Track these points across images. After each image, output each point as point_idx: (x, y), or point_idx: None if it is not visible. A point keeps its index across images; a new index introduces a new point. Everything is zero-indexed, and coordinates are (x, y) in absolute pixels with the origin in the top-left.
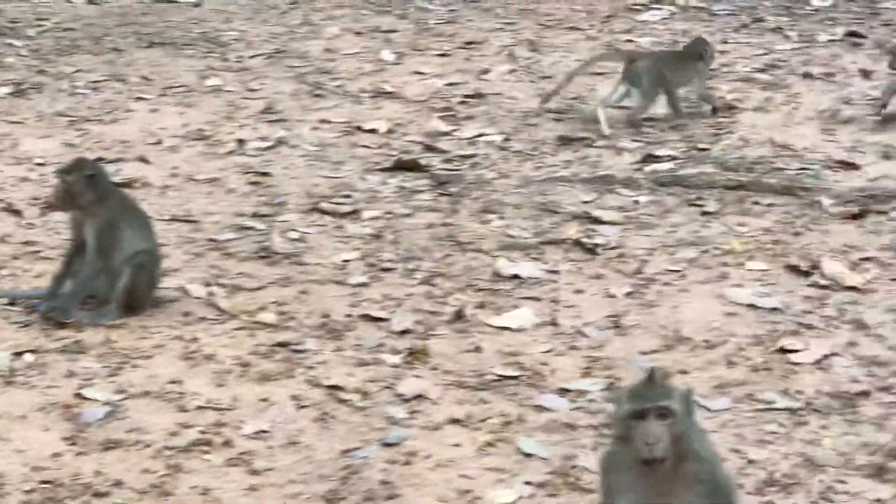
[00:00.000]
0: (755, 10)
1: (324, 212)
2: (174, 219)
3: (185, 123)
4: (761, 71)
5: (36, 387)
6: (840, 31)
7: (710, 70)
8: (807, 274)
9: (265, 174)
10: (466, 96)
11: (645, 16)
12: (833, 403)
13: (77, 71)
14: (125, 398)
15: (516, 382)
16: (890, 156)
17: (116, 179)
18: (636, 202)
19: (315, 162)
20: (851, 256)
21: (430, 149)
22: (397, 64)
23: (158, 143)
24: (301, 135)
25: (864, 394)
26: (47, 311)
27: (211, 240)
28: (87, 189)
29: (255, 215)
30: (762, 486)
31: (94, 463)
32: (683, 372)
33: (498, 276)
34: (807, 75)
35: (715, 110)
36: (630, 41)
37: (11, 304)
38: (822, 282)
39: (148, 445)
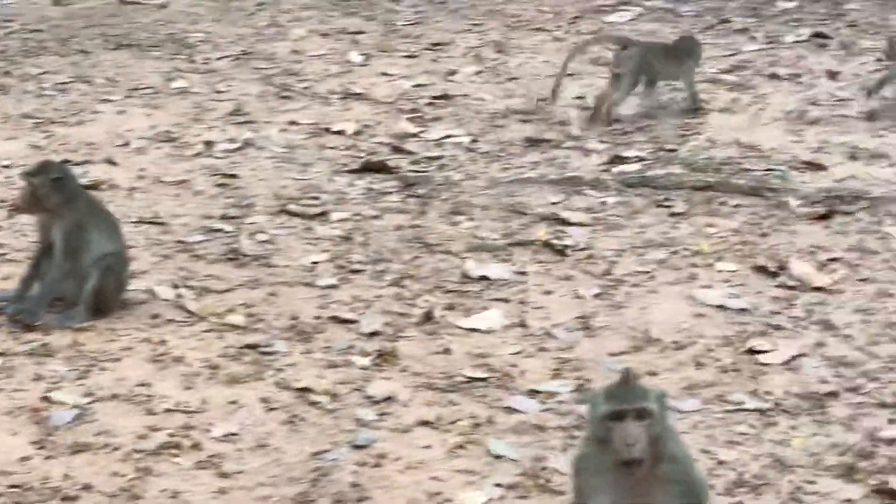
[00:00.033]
0: (721, 11)
1: (292, 213)
2: (142, 221)
3: (152, 125)
4: (728, 72)
5: (3, 390)
6: (806, 32)
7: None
8: (775, 275)
9: (233, 176)
10: (434, 98)
11: (612, 17)
12: (802, 404)
13: (43, 72)
14: (93, 401)
15: (486, 384)
16: (856, 156)
17: (83, 181)
18: (604, 203)
19: (283, 164)
20: (819, 257)
21: (398, 150)
22: (365, 65)
23: (125, 144)
24: (269, 136)
25: (833, 394)
26: (15, 314)
27: (179, 242)
28: (53, 191)
29: (223, 217)
30: (732, 486)
31: (63, 467)
32: (652, 373)
33: (467, 277)
34: (773, 76)
35: (696, 110)
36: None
37: None
38: (790, 282)
39: (117, 449)
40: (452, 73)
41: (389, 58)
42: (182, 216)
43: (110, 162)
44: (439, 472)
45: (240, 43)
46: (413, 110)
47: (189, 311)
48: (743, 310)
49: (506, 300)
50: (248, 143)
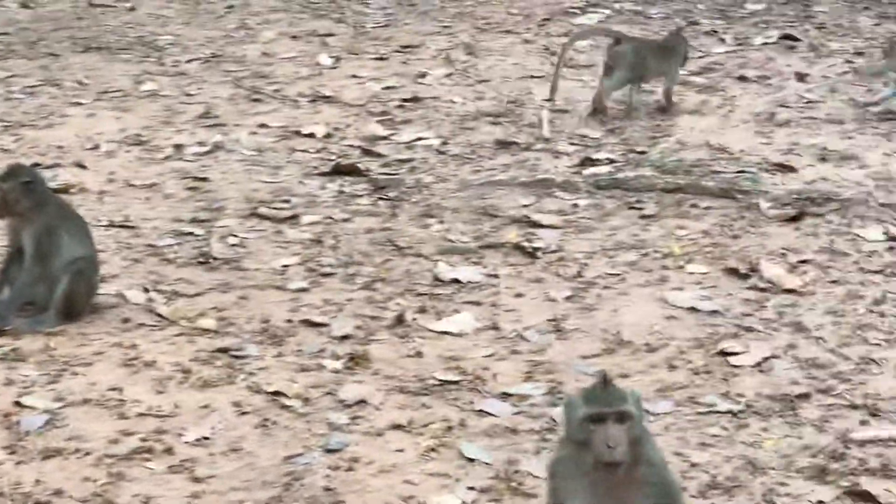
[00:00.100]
0: (690, 14)
1: (263, 217)
2: (112, 224)
3: (122, 128)
4: (697, 74)
5: None
6: (774, 34)
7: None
8: (746, 277)
9: (203, 179)
10: (404, 100)
11: (581, 19)
12: (774, 406)
13: (11, 76)
14: (65, 406)
15: (458, 387)
16: (826, 158)
17: (53, 185)
18: (575, 206)
19: (253, 167)
20: (789, 259)
21: (368, 153)
22: (334, 68)
23: (95, 148)
24: (239, 139)
25: (805, 396)
26: None
27: (149, 245)
28: (23, 196)
29: (193, 221)
30: (705, 488)
31: (34, 472)
32: (625, 375)
33: (438, 280)
34: (742, 78)
35: (666, 110)
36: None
37: None
38: (761, 284)
39: (89, 453)
40: (422, 75)
41: (359, 60)
42: (152, 220)
43: (80, 165)
44: (412, 476)
45: (209, 45)
46: (383, 113)
47: (160, 315)
48: (714, 312)
49: (477, 303)
50: (218, 146)
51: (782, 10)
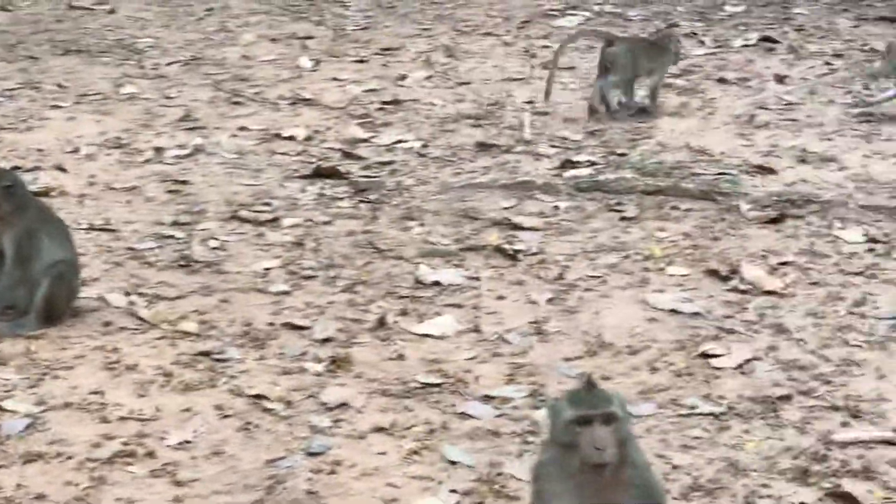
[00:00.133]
0: (670, 16)
1: (243, 220)
2: (92, 228)
3: (102, 131)
4: (677, 76)
5: None
6: (754, 36)
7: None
8: (726, 279)
9: (184, 182)
10: (384, 103)
11: (561, 21)
12: (755, 408)
13: None
14: (46, 410)
15: (440, 390)
16: (806, 160)
17: (33, 188)
18: (556, 208)
19: (234, 170)
20: (770, 261)
21: (348, 156)
22: (314, 71)
23: (75, 151)
24: (219, 142)
25: (786, 397)
26: None
27: (130, 249)
28: (4, 199)
29: (174, 224)
30: (687, 491)
31: (16, 476)
32: (607, 378)
33: (419, 283)
34: (722, 80)
35: (647, 111)
36: (546, 47)
37: None
38: (742, 286)
39: (70, 457)
40: (402, 77)
41: (339, 63)
42: (133, 223)
43: (60, 169)
44: (394, 479)
45: (189, 48)
46: (363, 115)
47: (141, 319)
48: (695, 314)
49: (459, 305)
50: (198, 149)
51: (761, 13)
